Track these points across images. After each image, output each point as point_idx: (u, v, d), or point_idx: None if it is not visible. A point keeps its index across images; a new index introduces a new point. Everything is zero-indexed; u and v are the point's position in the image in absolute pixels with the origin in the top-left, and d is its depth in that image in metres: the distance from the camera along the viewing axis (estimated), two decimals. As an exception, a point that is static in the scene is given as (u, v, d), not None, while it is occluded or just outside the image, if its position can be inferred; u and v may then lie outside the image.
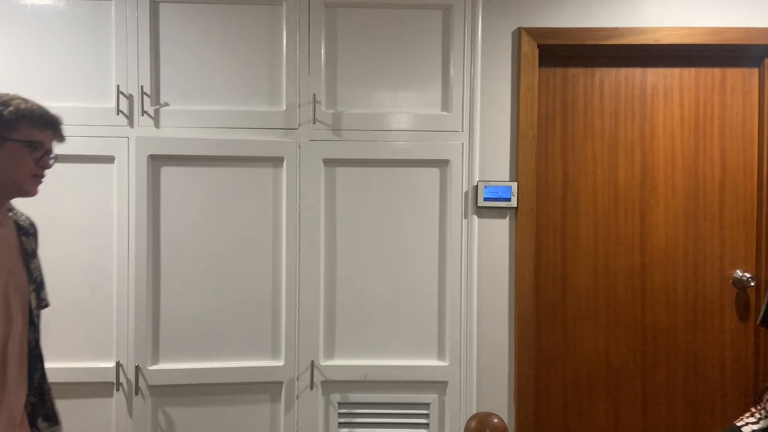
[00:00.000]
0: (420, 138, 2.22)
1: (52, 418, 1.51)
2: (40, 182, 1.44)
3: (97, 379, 2.17)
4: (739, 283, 2.35)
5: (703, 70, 2.36)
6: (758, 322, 2.23)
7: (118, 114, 2.15)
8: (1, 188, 1.39)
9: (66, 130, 2.09)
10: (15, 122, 1.36)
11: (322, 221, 2.22)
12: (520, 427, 2.26)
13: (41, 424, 1.48)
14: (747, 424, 1.62)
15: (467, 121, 2.23)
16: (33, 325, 1.47)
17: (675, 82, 2.36)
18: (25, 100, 1.40)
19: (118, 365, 2.15)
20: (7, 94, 1.38)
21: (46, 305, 1.55)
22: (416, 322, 2.26)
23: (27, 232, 1.50)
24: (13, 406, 1.40)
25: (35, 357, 1.48)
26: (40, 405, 1.48)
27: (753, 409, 1.65)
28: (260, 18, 2.20)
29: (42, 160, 1.41)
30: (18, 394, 1.42)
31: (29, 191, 1.42)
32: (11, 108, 1.36)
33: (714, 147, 2.36)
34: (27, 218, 1.53)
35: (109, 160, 2.16)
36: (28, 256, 1.48)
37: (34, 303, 1.47)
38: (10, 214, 1.48)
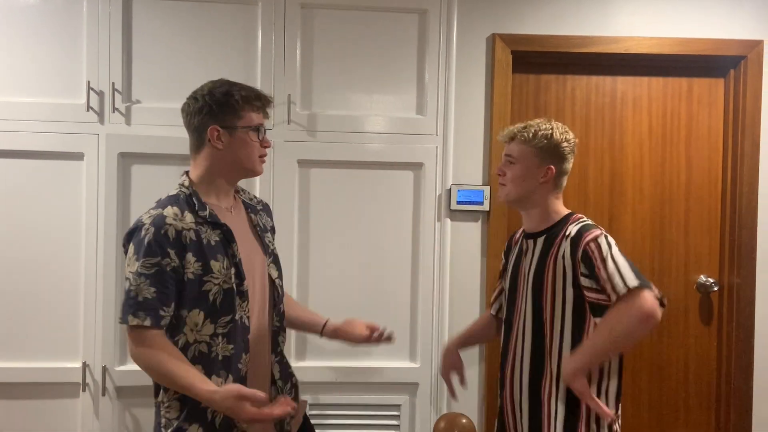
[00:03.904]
0: (395, 141, 2.23)
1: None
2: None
3: (64, 379, 2.13)
4: (703, 288, 2.42)
5: (671, 80, 2.42)
6: None
7: (88, 110, 2.12)
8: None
9: (34, 126, 2.09)
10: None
11: (296, 222, 2.22)
12: (489, 428, 2.28)
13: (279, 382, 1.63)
14: None
15: (441, 124, 2.25)
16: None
17: (644, 91, 2.41)
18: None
19: (85, 366, 2.11)
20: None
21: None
22: (388, 324, 2.24)
23: (255, 210, 1.64)
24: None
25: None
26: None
27: None
28: (235, 17, 2.18)
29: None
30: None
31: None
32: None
33: (680, 155, 2.42)
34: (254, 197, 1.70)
35: (78, 157, 2.12)
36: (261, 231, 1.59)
37: (275, 274, 1.57)
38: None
